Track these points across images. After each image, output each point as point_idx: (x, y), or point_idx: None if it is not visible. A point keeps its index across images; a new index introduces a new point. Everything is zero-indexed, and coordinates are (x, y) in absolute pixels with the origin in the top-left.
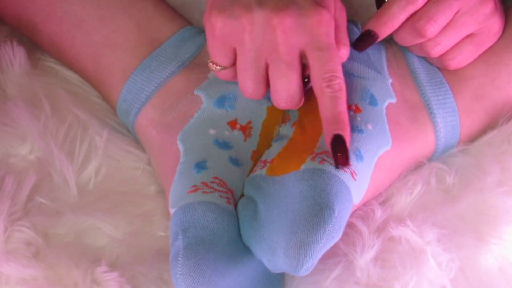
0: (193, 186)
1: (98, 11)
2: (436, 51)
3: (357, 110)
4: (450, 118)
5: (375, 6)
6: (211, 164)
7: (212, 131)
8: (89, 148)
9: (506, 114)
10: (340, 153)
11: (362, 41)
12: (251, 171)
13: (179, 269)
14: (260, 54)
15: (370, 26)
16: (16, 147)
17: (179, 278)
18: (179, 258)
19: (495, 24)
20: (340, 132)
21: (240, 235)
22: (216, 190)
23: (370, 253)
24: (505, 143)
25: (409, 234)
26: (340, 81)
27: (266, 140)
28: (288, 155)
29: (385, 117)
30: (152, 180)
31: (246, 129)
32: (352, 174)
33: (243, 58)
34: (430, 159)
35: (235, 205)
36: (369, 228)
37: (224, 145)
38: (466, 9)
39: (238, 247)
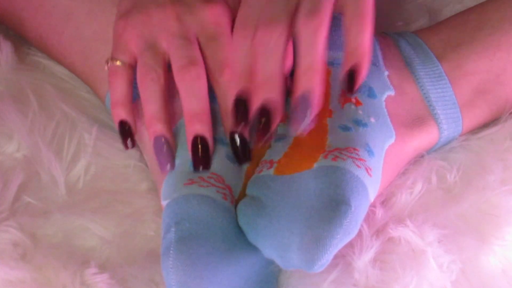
0: (189, 179)
1: (88, 4)
2: None
3: (358, 103)
4: (450, 111)
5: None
6: None
7: None
8: (78, 145)
9: (509, 109)
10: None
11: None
12: (248, 168)
13: (171, 262)
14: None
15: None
16: (3, 145)
17: (170, 271)
18: (171, 251)
19: None
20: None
21: (235, 233)
22: (212, 185)
23: (369, 255)
24: (507, 140)
25: (409, 235)
26: (197, 70)
27: None
28: (296, 154)
29: (385, 110)
30: (143, 176)
31: None
32: (367, 170)
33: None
34: (431, 149)
35: (232, 202)
36: (368, 229)
37: (220, 141)
38: None
39: (233, 244)
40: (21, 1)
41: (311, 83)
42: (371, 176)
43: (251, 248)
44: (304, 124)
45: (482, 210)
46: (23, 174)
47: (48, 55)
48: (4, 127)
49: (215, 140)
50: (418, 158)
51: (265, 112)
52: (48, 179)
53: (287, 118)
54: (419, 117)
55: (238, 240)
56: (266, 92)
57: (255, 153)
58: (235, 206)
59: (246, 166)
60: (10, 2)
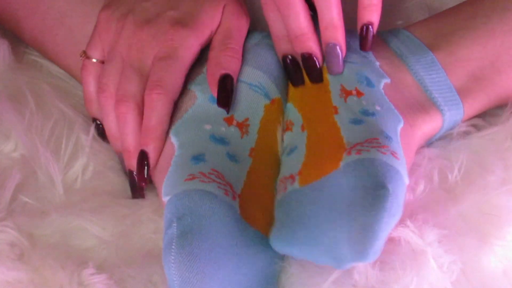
0: (190, 175)
1: (82, 7)
2: None
3: (359, 93)
4: (448, 94)
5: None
6: (209, 158)
7: (207, 127)
8: (75, 145)
9: (511, 108)
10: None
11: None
12: (249, 167)
13: (173, 257)
14: (120, 54)
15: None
16: (0, 144)
17: (172, 267)
18: (173, 246)
19: None
20: None
21: (237, 229)
22: (214, 181)
23: None
24: (508, 139)
25: (409, 235)
26: (158, 92)
27: (265, 139)
28: (316, 159)
29: (386, 97)
30: None
31: (243, 126)
32: (393, 154)
33: (109, 53)
34: (438, 133)
35: (234, 198)
36: None
37: (220, 140)
38: None
39: (235, 241)
40: (17, 1)
41: (333, 37)
42: (399, 159)
43: (253, 245)
44: (338, 66)
45: (483, 210)
46: (20, 174)
47: (44, 56)
48: (1, 126)
49: (215, 139)
50: (419, 157)
51: (306, 58)
52: (46, 179)
53: (293, 126)
54: (418, 102)
55: (241, 236)
56: (304, 46)
57: (259, 151)
58: (238, 203)
59: (248, 165)
60: (7, 2)
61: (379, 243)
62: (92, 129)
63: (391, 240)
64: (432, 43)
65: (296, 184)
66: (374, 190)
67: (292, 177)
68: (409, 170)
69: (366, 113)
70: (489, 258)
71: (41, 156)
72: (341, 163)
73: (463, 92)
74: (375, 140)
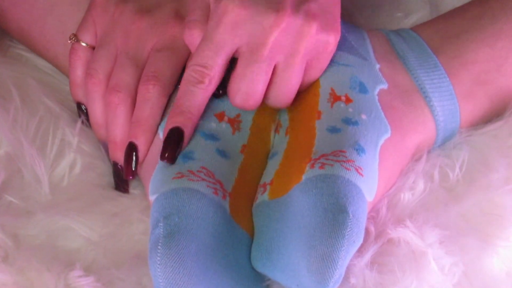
0: (178, 173)
1: None
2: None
3: (348, 100)
4: (447, 102)
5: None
6: (198, 155)
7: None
8: (62, 142)
9: None
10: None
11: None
12: (241, 164)
13: (158, 258)
14: (114, 41)
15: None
16: None
17: (157, 268)
18: (159, 247)
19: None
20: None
21: (226, 229)
22: (202, 179)
23: (366, 257)
24: None
25: (409, 236)
26: (154, 83)
27: (258, 136)
28: (286, 170)
29: (378, 104)
30: None
31: (234, 122)
32: (357, 170)
33: (101, 39)
34: (434, 145)
35: (224, 197)
36: (367, 230)
37: (211, 136)
38: (283, 56)
39: (224, 241)
40: None
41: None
42: (363, 176)
43: (241, 247)
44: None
45: (485, 210)
46: (4, 172)
47: (30, 48)
48: None
49: (205, 135)
50: (421, 155)
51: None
52: (31, 177)
53: (281, 128)
54: (414, 108)
55: (229, 237)
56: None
57: (251, 148)
58: (229, 202)
59: (240, 161)
60: None
61: (340, 272)
62: (79, 124)
63: (390, 241)
64: (437, 45)
65: (266, 196)
66: (333, 214)
67: (264, 186)
68: (395, 182)
69: (347, 121)
70: (492, 259)
71: (26, 154)
72: (303, 177)
73: (464, 98)
74: (341, 153)
